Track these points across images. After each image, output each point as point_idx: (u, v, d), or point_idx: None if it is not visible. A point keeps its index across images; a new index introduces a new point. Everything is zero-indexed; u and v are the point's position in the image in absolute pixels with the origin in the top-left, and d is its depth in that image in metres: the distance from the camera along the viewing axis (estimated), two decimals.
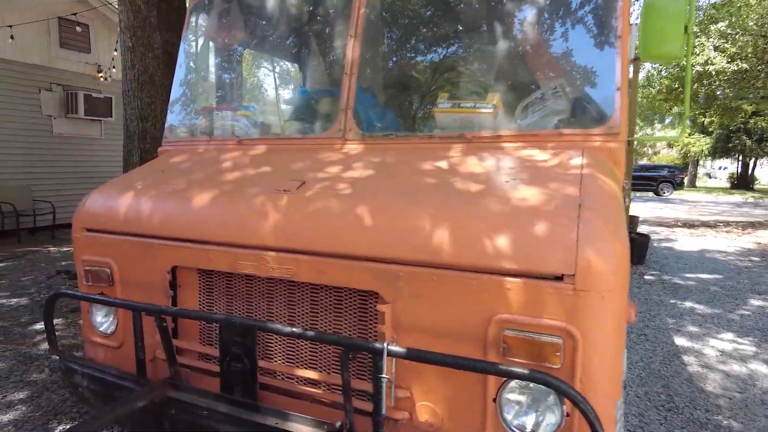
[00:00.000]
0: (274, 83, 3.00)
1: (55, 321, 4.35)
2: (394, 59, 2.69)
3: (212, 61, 3.20)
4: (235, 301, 2.05)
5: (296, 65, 3.12)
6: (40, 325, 4.31)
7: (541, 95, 2.20)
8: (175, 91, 3.06)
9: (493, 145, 2.08)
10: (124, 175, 2.58)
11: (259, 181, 2.17)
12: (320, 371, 1.87)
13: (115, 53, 9.94)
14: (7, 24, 8.49)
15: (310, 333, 1.65)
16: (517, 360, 1.49)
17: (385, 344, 1.49)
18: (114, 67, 10.36)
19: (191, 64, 3.21)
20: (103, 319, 2.38)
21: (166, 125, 2.93)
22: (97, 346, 2.40)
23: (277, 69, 3.04)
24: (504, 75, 2.40)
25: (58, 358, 2.37)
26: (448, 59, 2.65)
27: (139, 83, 5.66)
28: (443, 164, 2.02)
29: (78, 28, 9.70)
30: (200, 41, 3.09)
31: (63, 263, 6.74)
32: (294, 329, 1.66)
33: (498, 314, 1.53)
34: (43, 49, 9.26)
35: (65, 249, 7.81)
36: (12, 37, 8.39)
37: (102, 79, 10.08)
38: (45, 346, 3.87)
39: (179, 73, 3.06)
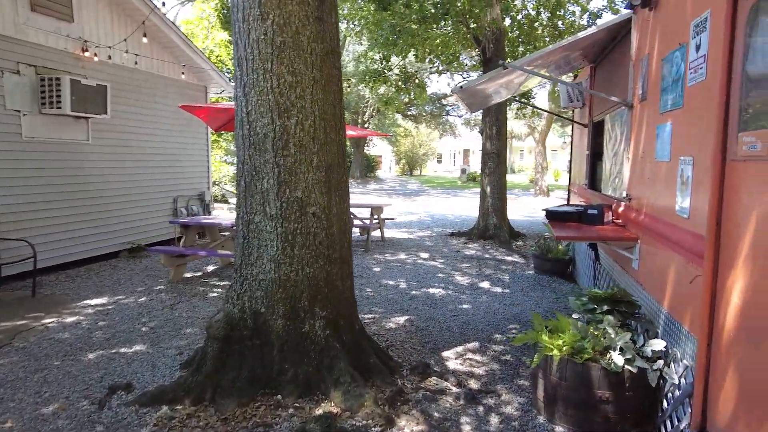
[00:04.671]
0: None
1: None
2: None
3: None
4: None
5: None
6: None
7: None
8: None
9: None
10: None
11: None
12: None
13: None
14: None
15: None
16: None
17: None
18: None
19: None
20: None
21: None
22: None
23: None
24: None
25: None
26: None
27: (275, 48, 3.13)
28: None
29: None
30: None
31: (92, 354, 3.98)
32: None
33: None
34: (6, 12, 6.22)
35: (69, 319, 4.95)
36: None
37: (94, 59, 7.11)
38: None
39: None
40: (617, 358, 2.86)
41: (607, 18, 11.03)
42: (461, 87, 4.41)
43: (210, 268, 7.52)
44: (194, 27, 19.10)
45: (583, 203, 6.40)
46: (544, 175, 24.07)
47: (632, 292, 3.73)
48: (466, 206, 18.20)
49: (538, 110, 14.42)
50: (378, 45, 10.09)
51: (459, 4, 8.52)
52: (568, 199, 10.57)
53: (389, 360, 3.77)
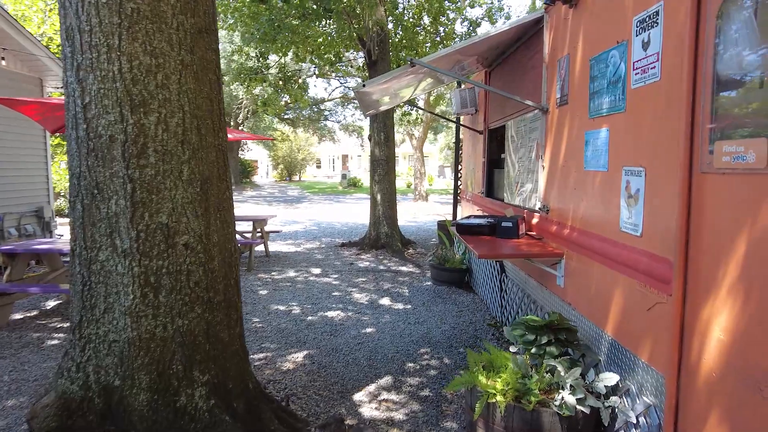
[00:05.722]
0: None
1: None
2: None
3: None
4: None
5: None
6: None
7: None
8: None
9: None
10: None
11: None
12: None
13: None
14: None
15: None
16: None
17: None
18: None
19: None
20: None
21: None
22: None
23: None
24: None
25: None
26: None
27: (125, 17, 2.27)
28: None
29: None
30: None
31: None
32: None
33: None
34: None
35: None
36: None
37: None
38: None
39: None
40: (569, 399, 2.47)
41: (487, 27, 11.31)
42: (365, 85, 3.83)
43: (50, 303, 6.00)
44: (26, 9, 16.10)
45: (480, 212, 6.22)
46: (422, 180, 24.64)
47: (557, 311, 3.45)
48: (352, 213, 17.80)
49: (438, 117, 14.57)
50: (255, 40, 9.13)
51: (344, 2, 7.96)
52: (455, 207, 10.60)
53: (294, 420, 3.02)
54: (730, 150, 1.79)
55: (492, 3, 10.66)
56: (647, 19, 2.30)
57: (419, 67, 4.34)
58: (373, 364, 4.24)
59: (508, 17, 11.73)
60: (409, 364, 4.24)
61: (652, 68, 2.25)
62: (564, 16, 3.34)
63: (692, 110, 1.99)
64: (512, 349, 2.92)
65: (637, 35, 2.39)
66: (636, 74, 2.39)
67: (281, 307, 5.87)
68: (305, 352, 4.47)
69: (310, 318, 5.47)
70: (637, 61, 2.38)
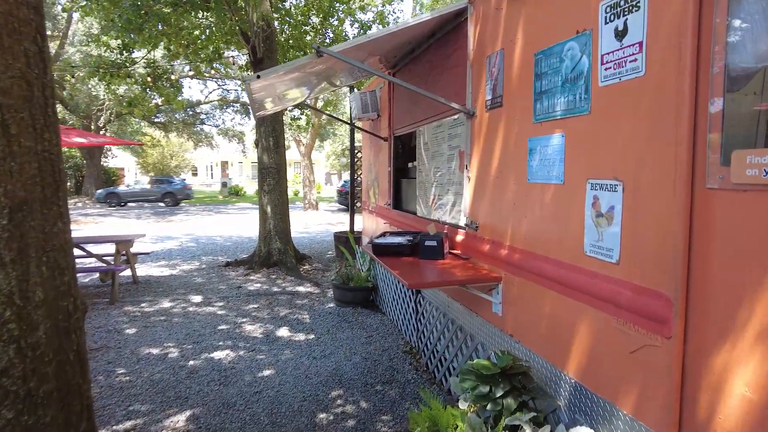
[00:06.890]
0: None
1: None
2: None
3: None
4: None
5: None
6: None
7: None
8: None
9: None
10: None
11: None
12: None
13: None
14: None
15: None
16: None
17: None
18: None
19: None
20: None
21: None
22: None
23: None
24: None
25: None
26: None
27: None
28: None
29: None
30: None
31: None
32: None
33: None
34: None
35: None
36: None
37: None
38: None
39: None
40: None
41: (376, 30, 10.98)
42: (259, 76, 3.08)
43: None
44: None
45: (388, 226, 5.72)
46: (312, 188, 23.84)
47: (494, 342, 3.01)
48: (236, 225, 16.41)
49: (338, 120, 13.83)
50: (116, 29, 7.73)
51: None
52: (352, 217, 10.05)
53: None
54: (760, 161, 1.41)
55: (384, 7, 10.35)
56: (622, 2, 1.90)
57: (322, 62, 3.68)
58: (276, 420, 3.46)
59: (396, 22, 11.53)
60: (321, 415, 3.54)
61: (631, 61, 1.86)
62: (496, 6, 2.92)
63: (695, 112, 1.61)
64: (461, 405, 2.38)
65: (606, 23, 1.99)
66: (606, 69, 1.99)
67: (154, 351, 4.78)
68: (188, 413, 3.53)
69: (192, 363, 4.48)
70: (608, 54, 1.98)
